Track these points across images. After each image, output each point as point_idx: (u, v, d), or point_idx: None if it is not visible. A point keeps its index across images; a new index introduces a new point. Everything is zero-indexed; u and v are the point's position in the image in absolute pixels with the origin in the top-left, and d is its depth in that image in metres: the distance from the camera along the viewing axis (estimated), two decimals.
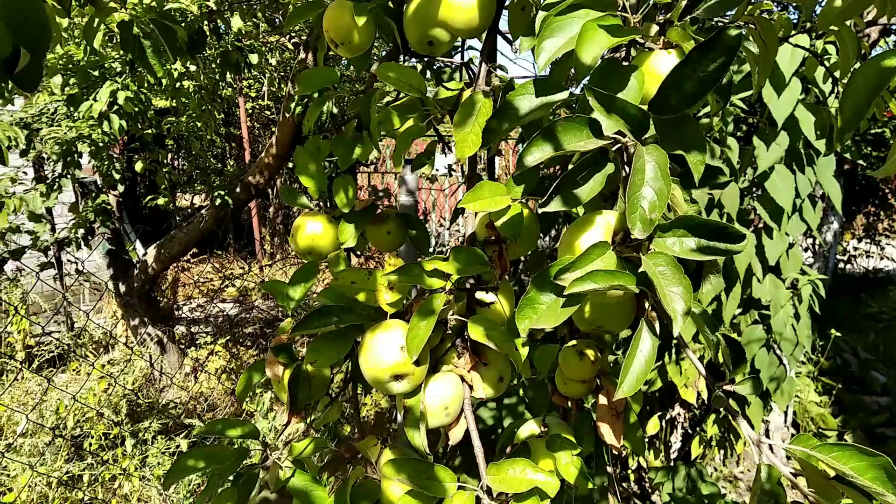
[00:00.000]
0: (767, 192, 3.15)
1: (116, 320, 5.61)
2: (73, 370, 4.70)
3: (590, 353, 1.10)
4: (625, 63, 0.75)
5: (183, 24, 3.48)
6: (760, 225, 3.38)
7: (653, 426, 3.73)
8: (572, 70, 0.73)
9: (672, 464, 4.21)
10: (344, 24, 1.16)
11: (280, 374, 1.10)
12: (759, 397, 3.86)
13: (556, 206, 0.70)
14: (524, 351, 0.92)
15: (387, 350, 0.89)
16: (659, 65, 0.72)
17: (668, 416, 4.11)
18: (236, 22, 3.82)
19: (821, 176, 3.43)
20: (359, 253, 1.33)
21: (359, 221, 1.20)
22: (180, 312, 6.36)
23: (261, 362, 1.13)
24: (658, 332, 0.69)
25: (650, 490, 4.36)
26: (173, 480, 1.00)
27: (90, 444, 3.42)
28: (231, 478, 1.06)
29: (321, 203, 1.28)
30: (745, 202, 3.25)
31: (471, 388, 0.96)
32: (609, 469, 1.18)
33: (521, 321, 0.70)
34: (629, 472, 4.16)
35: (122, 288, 4.85)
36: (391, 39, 1.18)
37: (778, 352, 3.77)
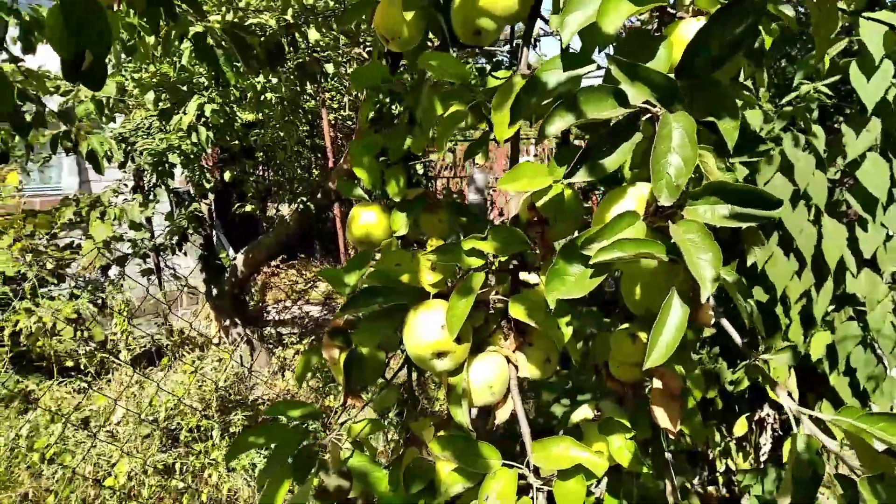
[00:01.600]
0: (859, 181, 2.98)
1: (210, 322, 5.90)
2: (170, 368, 4.98)
3: (642, 335, 1.08)
4: (655, 34, 0.74)
5: (262, 38, 3.64)
6: (854, 217, 3.20)
7: (740, 427, 3.59)
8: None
9: (762, 466, 4.03)
10: (393, 19, 1.19)
11: (336, 356, 1.14)
12: (856, 398, 3.65)
13: (581, 176, 0.70)
14: (567, 331, 0.92)
15: (428, 328, 0.91)
16: (687, 32, 0.71)
17: (756, 417, 3.94)
18: (313, 34, 3.96)
19: None
20: (415, 242, 1.36)
21: (411, 210, 1.23)
22: (269, 315, 6.63)
23: (318, 346, 1.18)
24: (689, 299, 0.67)
25: (739, 493, 4.18)
26: (234, 456, 1.06)
27: (184, 436, 3.62)
28: (291, 458, 1.11)
29: (376, 194, 1.31)
30: (835, 194, 3.09)
31: (516, 368, 0.97)
32: (667, 455, 1.16)
33: (549, 293, 0.70)
34: (717, 474, 4.02)
35: (214, 291, 5.10)
36: (438, 33, 1.21)
37: (877, 350, 3.55)
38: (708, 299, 0.84)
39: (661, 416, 1.05)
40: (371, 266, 1.13)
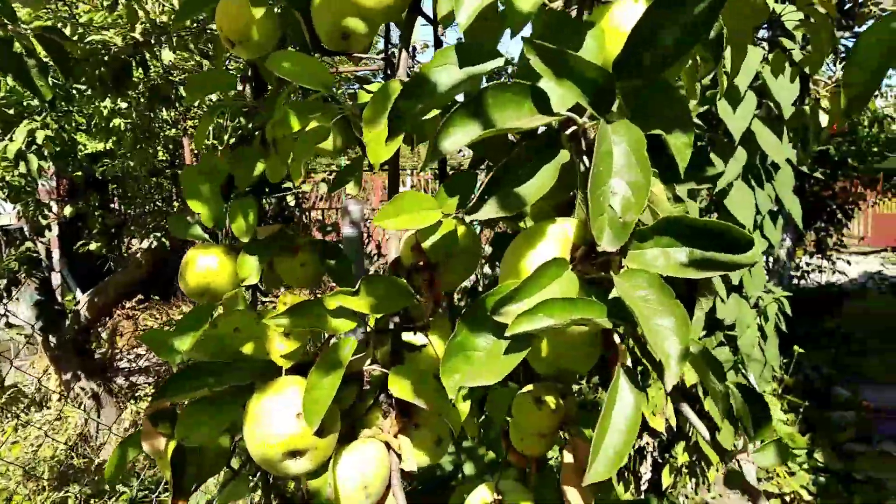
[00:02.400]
0: (727, 209, 3.04)
1: (49, 375, 5.21)
2: (0, 431, 4.30)
3: (550, 400, 0.89)
4: (577, 20, 0.56)
5: (106, 58, 3.25)
6: None
7: None
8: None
9: (643, 496, 4.02)
10: (239, 18, 0.96)
11: (161, 448, 0.86)
12: (729, 423, 3.72)
13: (489, 211, 0.49)
14: (465, 407, 0.71)
15: (277, 419, 0.67)
16: (624, 17, 0.53)
17: (636, 446, 3.94)
18: (167, 55, 3.60)
19: (780, 191, 3.35)
20: (268, 294, 1.10)
21: (263, 252, 0.98)
22: (121, 363, 5.97)
23: (136, 435, 0.89)
24: (639, 381, 0.49)
25: None
26: None
27: None
28: None
29: (220, 233, 1.06)
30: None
31: (399, 457, 0.74)
32: None
33: (448, 375, 0.49)
34: None
35: (53, 340, 4.49)
36: (298, 36, 0.99)
37: (747, 374, 3.65)
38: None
39: (575, 499, 0.86)
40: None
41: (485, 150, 0.69)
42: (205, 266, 0.99)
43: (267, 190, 1.14)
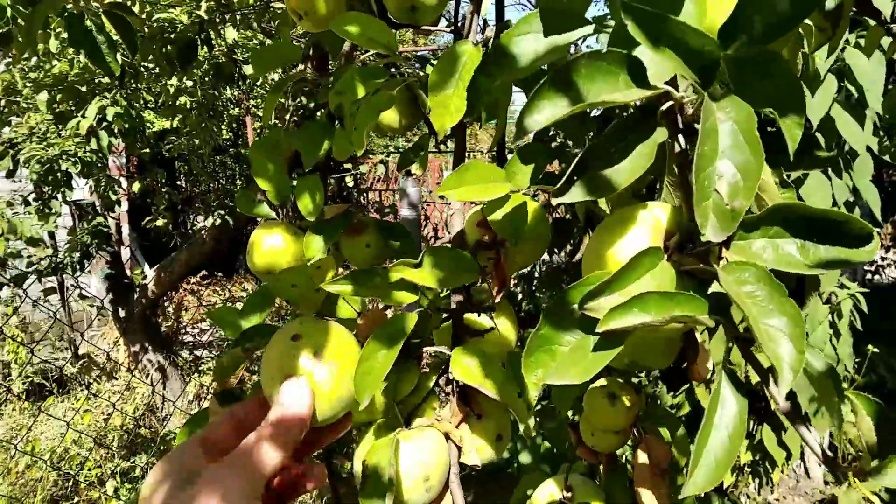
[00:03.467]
0: (802, 199, 2.89)
1: (119, 347, 5.42)
2: (74, 399, 4.50)
3: (624, 396, 0.84)
4: None
5: (173, 36, 3.30)
6: None
7: None
8: None
9: (703, 494, 3.91)
10: None
11: None
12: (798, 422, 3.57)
13: (577, 194, 0.45)
14: (533, 399, 0.67)
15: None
16: None
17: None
18: (230, 33, 3.63)
19: (858, 181, 3.17)
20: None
21: (329, 232, 0.96)
22: (185, 337, 6.16)
23: (203, 412, 0.89)
24: (743, 386, 0.44)
25: None
26: None
27: (84, 478, 3.20)
28: None
29: (285, 212, 1.04)
30: None
31: (459, 449, 0.71)
32: None
33: (530, 370, 0.45)
34: None
35: (123, 313, 4.66)
36: (365, 8, 0.95)
37: None
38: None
39: (649, 499, 0.82)
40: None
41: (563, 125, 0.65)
42: (270, 245, 0.98)
43: (335, 164, 1.12)
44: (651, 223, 0.49)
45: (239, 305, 0.95)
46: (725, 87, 0.44)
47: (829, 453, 0.45)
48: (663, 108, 0.47)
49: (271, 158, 0.98)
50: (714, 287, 0.46)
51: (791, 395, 0.50)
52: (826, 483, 4.00)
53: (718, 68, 0.44)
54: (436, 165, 9.24)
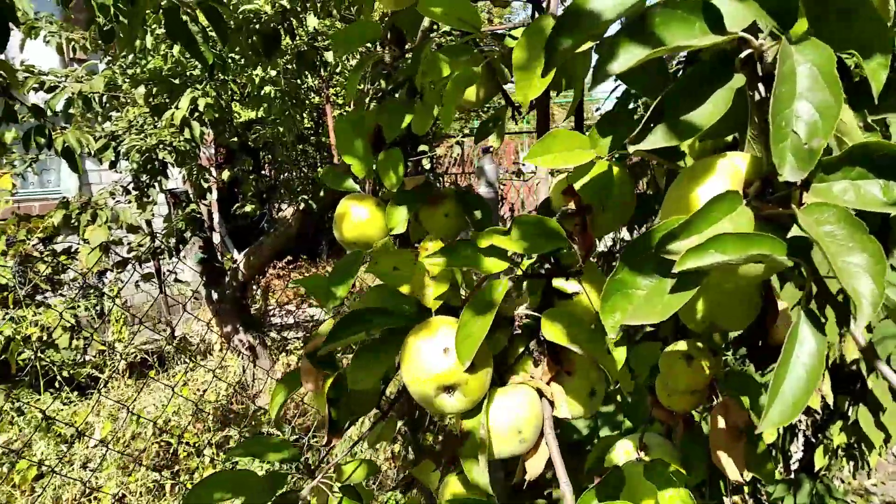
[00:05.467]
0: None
1: (212, 327, 5.71)
2: (172, 377, 4.78)
3: (701, 357, 0.85)
4: None
5: (257, 27, 3.43)
6: None
7: (769, 434, 3.34)
8: None
9: (794, 476, 3.77)
10: None
11: (318, 386, 0.91)
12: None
13: (657, 139, 0.46)
14: (620, 354, 0.69)
15: (429, 355, 0.69)
16: None
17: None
18: (311, 21, 3.74)
19: None
20: (414, 245, 1.13)
21: (410, 203, 1.00)
22: (272, 318, 6.42)
23: (295, 372, 0.95)
24: (823, 325, 0.44)
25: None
26: None
27: (182, 451, 3.42)
28: None
29: (369, 186, 1.09)
30: None
31: (552, 404, 0.74)
32: None
33: (608, 314, 0.47)
34: (742, 484, 3.77)
35: (215, 295, 4.90)
36: None
37: None
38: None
39: (726, 462, 0.82)
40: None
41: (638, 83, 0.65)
42: (358, 216, 1.03)
43: (411, 145, 1.16)
44: (730, 171, 0.50)
45: None
46: (805, 31, 0.45)
47: None
48: (742, 55, 0.48)
49: (356, 134, 1.02)
50: (794, 232, 0.46)
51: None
52: None
53: (797, 12, 0.44)
54: (511, 148, 9.20)
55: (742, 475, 0.83)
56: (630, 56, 0.43)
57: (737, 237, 0.43)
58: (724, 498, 0.97)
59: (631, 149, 0.47)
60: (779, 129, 0.41)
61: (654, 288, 0.47)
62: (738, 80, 0.46)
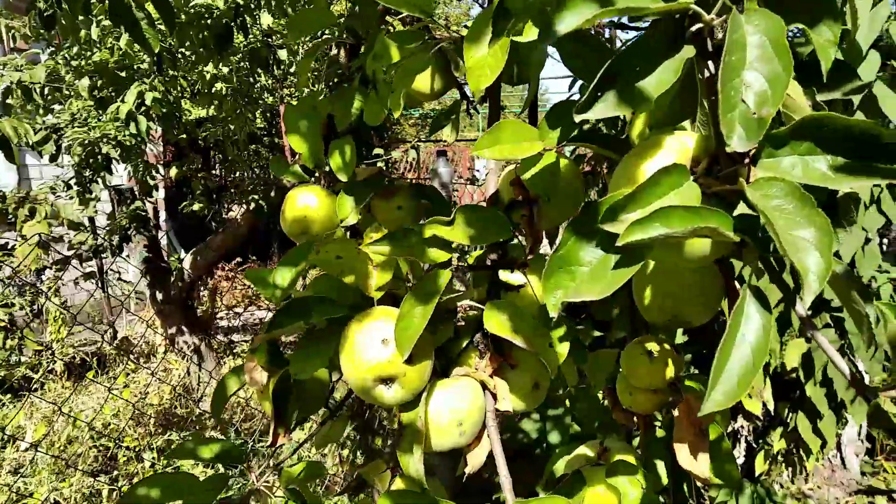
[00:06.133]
0: None
1: (156, 329, 5.54)
2: (112, 379, 4.62)
3: (663, 352, 0.84)
4: None
5: (209, 22, 3.35)
6: None
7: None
8: None
9: (735, 480, 3.84)
10: None
11: (263, 381, 0.87)
12: (832, 410, 3.51)
13: (605, 108, 0.45)
14: (563, 349, 0.67)
15: (367, 345, 0.66)
16: None
17: (729, 429, 3.78)
18: (266, 18, 3.68)
19: None
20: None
21: (361, 193, 0.97)
22: (220, 320, 6.28)
23: (238, 368, 0.91)
24: (769, 303, 0.43)
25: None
26: None
27: (122, 456, 3.29)
28: None
29: (319, 174, 1.05)
30: None
31: (495, 398, 0.72)
32: None
33: (550, 291, 0.46)
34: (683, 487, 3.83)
35: (160, 296, 4.76)
36: None
37: (854, 358, 3.42)
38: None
39: (688, 459, 0.81)
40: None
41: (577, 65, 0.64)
42: (304, 204, 0.99)
43: (366, 148, 1.13)
44: (678, 147, 0.49)
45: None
46: (756, 4, 0.44)
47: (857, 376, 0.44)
48: (692, 29, 0.47)
49: (306, 121, 0.99)
50: (741, 209, 0.45)
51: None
52: (863, 474, 3.92)
53: None
54: (466, 155, 9.24)
55: (707, 473, 0.82)
56: (578, 15, 0.42)
57: (683, 210, 0.42)
58: (690, 500, 0.96)
59: (577, 118, 0.45)
60: (728, 99, 0.40)
61: (599, 264, 0.45)
62: (688, 50, 0.45)
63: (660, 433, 0.94)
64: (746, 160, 0.44)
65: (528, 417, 2.44)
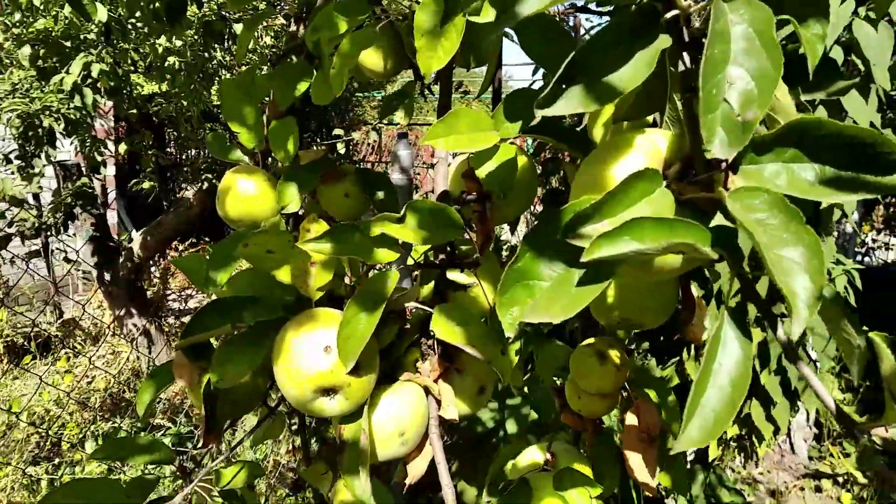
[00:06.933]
0: None
1: (104, 311, 5.37)
2: (56, 362, 4.45)
3: (614, 355, 0.80)
4: None
5: None
6: None
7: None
8: None
9: (689, 467, 3.91)
10: None
11: (193, 380, 0.80)
12: (786, 398, 3.58)
13: (569, 105, 0.39)
14: (513, 356, 0.63)
15: (306, 354, 0.60)
16: None
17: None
18: None
19: None
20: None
21: (304, 179, 0.90)
22: (172, 303, 6.11)
23: (167, 365, 0.84)
24: (749, 328, 0.39)
25: (663, 495, 4.07)
26: None
27: (66, 442, 3.17)
28: None
29: (260, 158, 0.98)
30: None
31: (438, 403, 0.67)
32: None
33: (505, 309, 0.40)
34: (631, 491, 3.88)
35: (108, 276, 4.59)
36: None
37: (808, 349, 3.48)
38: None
39: (638, 466, 0.78)
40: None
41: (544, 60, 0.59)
42: (244, 191, 0.92)
43: (325, 128, 1.06)
44: (649, 148, 0.43)
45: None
46: None
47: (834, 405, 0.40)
48: (667, 16, 0.41)
49: (245, 100, 0.91)
50: (718, 221, 0.40)
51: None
52: (810, 458, 4.02)
53: None
54: (427, 147, 9.10)
55: (654, 482, 0.79)
56: None
57: (656, 223, 0.36)
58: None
59: (538, 113, 0.40)
60: (709, 97, 0.35)
61: (560, 279, 0.40)
62: (664, 40, 0.40)
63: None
64: (724, 165, 0.39)
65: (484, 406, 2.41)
